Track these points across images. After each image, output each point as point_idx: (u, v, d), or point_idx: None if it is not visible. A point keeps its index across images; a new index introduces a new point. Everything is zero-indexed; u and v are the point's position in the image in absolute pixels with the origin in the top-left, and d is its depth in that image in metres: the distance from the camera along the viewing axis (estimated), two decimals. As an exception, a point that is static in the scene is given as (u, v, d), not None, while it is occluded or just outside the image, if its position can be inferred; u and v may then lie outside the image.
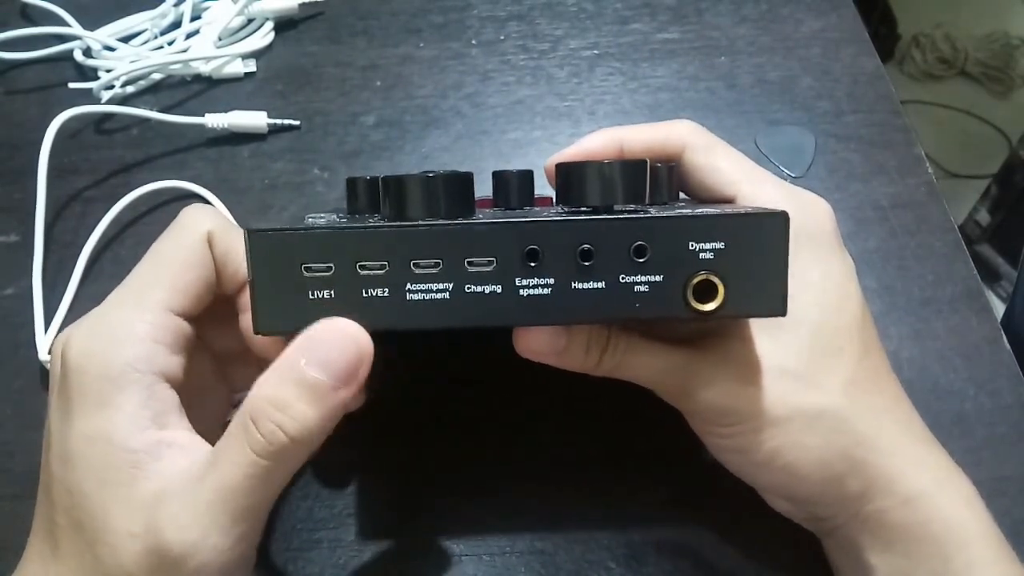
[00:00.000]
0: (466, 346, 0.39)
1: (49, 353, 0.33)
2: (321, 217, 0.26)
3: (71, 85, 0.50)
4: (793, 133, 0.49)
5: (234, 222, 0.33)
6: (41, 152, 0.45)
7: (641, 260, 0.24)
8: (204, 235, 0.29)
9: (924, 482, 0.29)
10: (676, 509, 0.37)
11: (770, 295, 0.25)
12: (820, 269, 0.31)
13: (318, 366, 0.24)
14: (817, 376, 0.30)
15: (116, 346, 0.27)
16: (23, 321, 0.42)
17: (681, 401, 0.31)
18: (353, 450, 0.37)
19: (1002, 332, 0.41)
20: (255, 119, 0.49)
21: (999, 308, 0.97)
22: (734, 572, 0.35)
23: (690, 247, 0.24)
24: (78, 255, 0.44)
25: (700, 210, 0.25)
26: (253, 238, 0.24)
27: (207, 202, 0.46)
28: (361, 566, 0.35)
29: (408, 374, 0.39)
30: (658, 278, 0.24)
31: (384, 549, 0.36)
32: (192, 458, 0.26)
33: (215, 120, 0.48)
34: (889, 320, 0.42)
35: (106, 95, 0.49)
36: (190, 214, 0.30)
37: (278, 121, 0.49)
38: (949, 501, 0.29)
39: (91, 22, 0.52)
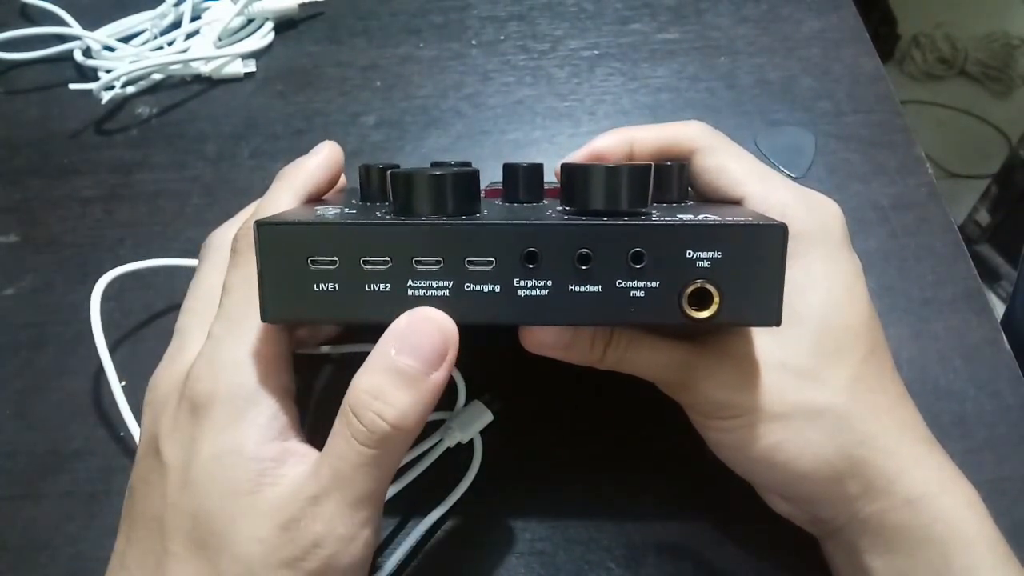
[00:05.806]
0: (464, 347, 0.39)
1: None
2: (331, 208, 0.26)
3: (71, 86, 0.50)
4: (793, 133, 0.49)
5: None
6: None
7: (638, 266, 0.24)
8: None
9: (926, 483, 0.29)
10: (676, 510, 0.37)
11: (765, 305, 0.25)
12: (827, 268, 0.31)
13: (408, 354, 0.25)
14: (820, 373, 0.30)
15: (244, 368, 0.27)
16: (23, 322, 0.42)
17: (682, 394, 0.31)
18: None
19: (1002, 333, 0.41)
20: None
21: (999, 308, 0.97)
22: (734, 573, 0.35)
23: (687, 255, 0.24)
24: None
25: (700, 217, 0.25)
26: (262, 230, 0.25)
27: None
28: (361, 567, 0.35)
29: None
30: (654, 284, 0.25)
31: (381, 551, 0.36)
32: (309, 462, 0.27)
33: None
34: (889, 320, 0.41)
35: (106, 95, 0.49)
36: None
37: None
38: (952, 502, 0.29)
39: (91, 22, 0.52)
